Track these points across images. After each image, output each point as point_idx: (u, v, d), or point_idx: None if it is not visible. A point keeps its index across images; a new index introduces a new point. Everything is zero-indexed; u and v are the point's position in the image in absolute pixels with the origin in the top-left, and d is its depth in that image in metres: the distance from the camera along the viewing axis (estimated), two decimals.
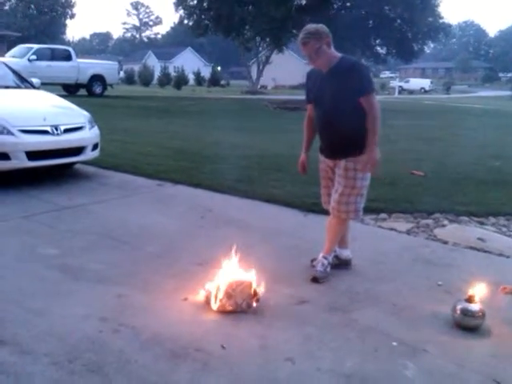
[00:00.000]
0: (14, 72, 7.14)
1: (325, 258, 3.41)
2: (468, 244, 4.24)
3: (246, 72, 39.52)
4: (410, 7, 25.66)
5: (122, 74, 35.33)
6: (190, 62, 55.77)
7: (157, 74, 43.40)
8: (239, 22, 26.89)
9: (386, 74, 78.91)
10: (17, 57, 18.48)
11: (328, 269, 3.39)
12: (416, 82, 55.63)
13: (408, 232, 4.52)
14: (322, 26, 3.18)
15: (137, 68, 43.80)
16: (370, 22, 27.42)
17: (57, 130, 5.60)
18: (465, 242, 4.30)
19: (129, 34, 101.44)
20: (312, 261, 3.54)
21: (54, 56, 19.60)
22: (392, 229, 4.57)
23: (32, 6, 60.32)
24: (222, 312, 2.81)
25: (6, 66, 7.19)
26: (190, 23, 29.94)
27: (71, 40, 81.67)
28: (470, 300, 2.79)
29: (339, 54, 3.21)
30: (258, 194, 5.44)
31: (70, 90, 19.84)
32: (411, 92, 49.93)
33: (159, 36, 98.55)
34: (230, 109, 18.92)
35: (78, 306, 2.81)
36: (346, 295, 3.16)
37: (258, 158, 7.79)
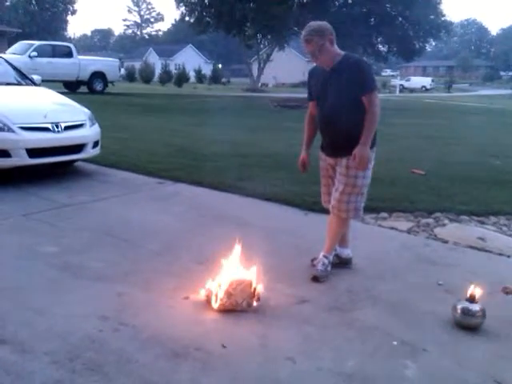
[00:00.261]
0: (15, 69, 7.14)
1: (325, 257, 3.40)
2: (468, 243, 4.24)
3: (246, 70, 39.50)
4: (411, 5, 25.61)
5: (122, 71, 35.25)
6: (191, 60, 55.76)
7: (158, 71, 43.36)
8: (240, 19, 26.86)
9: (387, 72, 78.77)
10: (17, 53, 18.46)
11: (329, 268, 3.39)
12: (417, 81, 55.56)
13: (408, 231, 4.52)
14: (325, 23, 3.17)
15: (137, 65, 43.74)
16: (372, 19, 27.35)
17: (57, 127, 5.59)
18: (465, 241, 4.29)
19: (130, 31, 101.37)
20: (312, 260, 3.53)
21: (55, 53, 19.59)
22: (392, 228, 4.57)
23: (33, 2, 60.28)
24: (223, 311, 2.81)
25: (7, 62, 7.18)
26: (192, 20, 29.91)
27: (72, 37, 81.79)
28: (470, 299, 2.79)
29: (342, 52, 3.20)
30: (259, 192, 5.44)
31: (70, 87, 19.82)
32: (412, 90, 49.86)
33: (160, 33, 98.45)
34: (231, 107, 18.90)
35: (78, 305, 2.81)
36: (347, 294, 3.16)
37: (258, 156, 7.79)
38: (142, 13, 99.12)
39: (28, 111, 5.73)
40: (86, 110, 6.32)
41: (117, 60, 24.34)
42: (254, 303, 2.87)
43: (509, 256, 4.03)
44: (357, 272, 3.54)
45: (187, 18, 30.36)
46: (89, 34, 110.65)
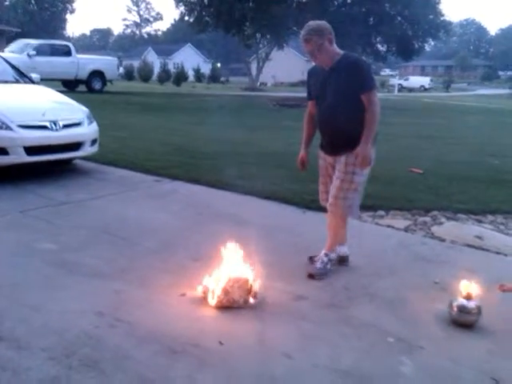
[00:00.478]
0: (14, 67, 7.12)
1: (325, 254, 3.41)
2: (465, 242, 4.25)
3: (245, 69, 39.51)
4: (410, 4, 25.58)
5: (121, 69, 35.23)
6: (189, 58, 55.69)
7: (156, 70, 43.34)
8: (239, 18, 26.82)
9: (386, 71, 78.81)
10: (16, 52, 18.43)
11: (328, 266, 3.39)
12: (416, 80, 55.60)
13: (406, 229, 4.52)
14: (324, 23, 3.18)
15: (136, 64, 43.71)
16: (371, 19, 27.33)
17: (56, 125, 5.59)
18: (462, 239, 4.30)
19: (129, 31, 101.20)
20: (309, 258, 3.54)
21: (54, 51, 19.55)
22: (389, 226, 4.57)
23: (32, 2, 60.18)
24: (220, 308, 2.81)
25: (6, 61, 7.18)
26: (191, 19, 29.87)
27: (71, 36, 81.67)
28: (466, 297, 2.81)
29: (341, 51, 3.22)
30: (257, 190, 5.44)
31: (69, 86, 19.80)
32: (411, 90, 49.88)
33: (159, 32, 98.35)
34: (230, 105, 18.90)
35: (74, 301, 2.81)
36: (343, 292, 3.17)
37: (257, 154, 7.78)
38: (142, 12, 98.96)
39: (26, 109, 5.73)
40: (84, 108, 6.31)
41: (115, 59, 24.35)
42: (251, 300, 2.88)
43: (506, 254, 4.04)
44: (354, 269, 3.54)
45: (186, 18, 30.31)
46: (88, 33, 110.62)
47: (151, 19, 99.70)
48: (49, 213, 4.43)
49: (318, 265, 3.38)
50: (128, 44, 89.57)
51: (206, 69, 51.47)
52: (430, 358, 2.47)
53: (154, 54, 61.45)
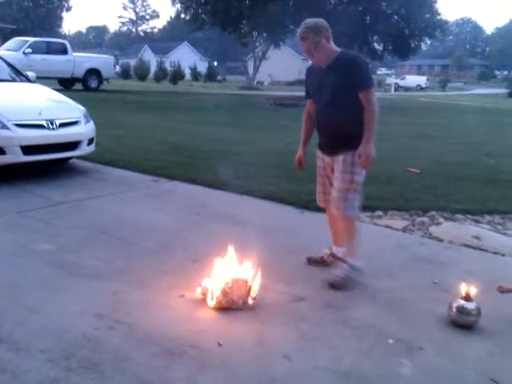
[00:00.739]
0: (9, 65, 7.08)
1: (344, 261, 3.31)
2: (463, 242, 4.26)
3: (242, 67, 39.48)
4: (407, 3, 25.60)
5: (117, 68, 35.10)
6: (186, 57, 55.65)
7: (153, 68, 43.22)
8: (236, 16, 26.76)
9: (382, 70, 78.74)
10: (12, 50, 18.31)
11: (352, 275, 3.26)
12: (412, 79, 55.65)
13: (404, 229, 4.53)
14: (321, 21, 3.16)
15: (133, 62, 43.59)
16: (367, 17, 27.34)
17: (52, 124, 5.57)
18: (460, 239, 4.31)
19: (125, 28, 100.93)
20: (308, 259, 3.53)
21: (50, 49, 19.44)
22: (387, 226, 4.58)
23: None
24: (219, 309, 2.81)
25: (1, 59, 7.13)
26: (187, 17, 29.80)
27: (67, 33, 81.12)
28: (465, 298, 2.80)
29: (338, 49, 3.19)
30: (254, 190, 5.42)
31: (65, 84, 19.71)
32: (407, 89, 49.91)
33: (156, 30, 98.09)
34: (226, 104, 18.87)
35: (73, 303, 2.80)
36: (342, 293, 3.16)
37: (254, 154, 7.77)
38: (138, 10, 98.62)
39: (23, 108, 5.70)
40: (80, 107, 6.29)
41: (112, 57, 24.21)
42: (250, 301, 2.87)
43: (503, 255, 4.05)
44: None
45: (183, 15, 30.23)
46: (84, 30, 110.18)
47: (147, 17, 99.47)
48: (46, 213, 4.41)
49: (338, 272, 3.27)
50: (124, 42, 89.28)
51: (202, 67, 51.35)
52: (430, 359, 2.48)
53: (150, 52, 61.33)
